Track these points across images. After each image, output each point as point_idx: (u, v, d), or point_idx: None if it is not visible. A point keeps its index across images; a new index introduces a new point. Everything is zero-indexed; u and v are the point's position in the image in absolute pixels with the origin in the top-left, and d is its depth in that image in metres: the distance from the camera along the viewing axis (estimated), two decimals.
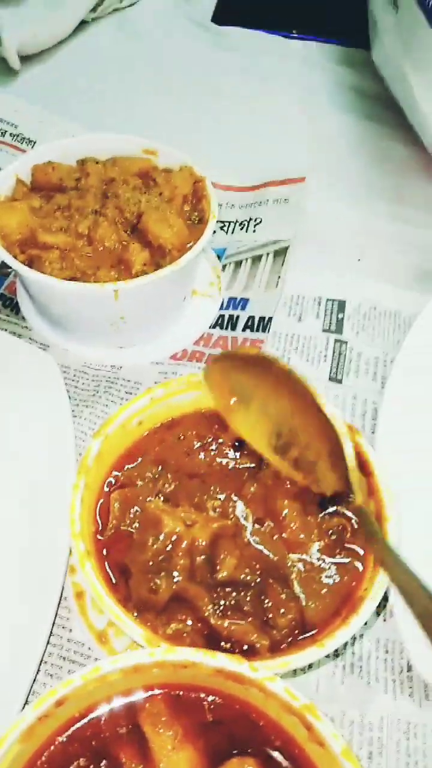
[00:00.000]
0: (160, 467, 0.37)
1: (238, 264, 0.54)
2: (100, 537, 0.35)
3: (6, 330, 0.49)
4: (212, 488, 0.36)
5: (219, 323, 0.51)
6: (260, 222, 0.56)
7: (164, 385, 0.38)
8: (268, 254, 0.54)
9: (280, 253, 0.53)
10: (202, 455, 0.38)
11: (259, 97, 0.68)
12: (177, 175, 0.48)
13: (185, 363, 0.48)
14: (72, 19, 0.72)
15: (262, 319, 0.50)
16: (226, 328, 0.51)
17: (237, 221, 0.57)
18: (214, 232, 0.46)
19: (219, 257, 0.55)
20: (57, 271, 0.43)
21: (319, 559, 0.34)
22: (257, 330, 0.50)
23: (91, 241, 0.45)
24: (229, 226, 0.57)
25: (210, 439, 0.38)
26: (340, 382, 0.48)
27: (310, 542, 0.35)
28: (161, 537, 0.34)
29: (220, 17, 0.78)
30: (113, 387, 0.47)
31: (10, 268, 0.45)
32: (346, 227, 0.56)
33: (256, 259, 0.54)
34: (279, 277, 0.52)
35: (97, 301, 0.42)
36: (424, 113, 0.57)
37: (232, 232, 0.56)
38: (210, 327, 0.51)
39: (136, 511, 0.35)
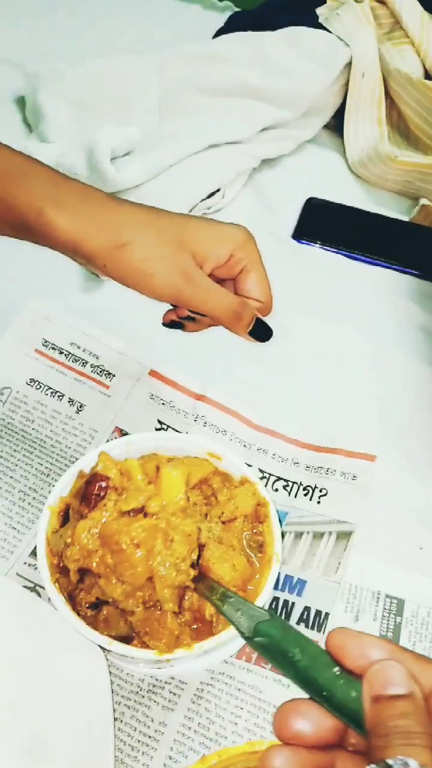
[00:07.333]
0: None
1: (299, 535, 0.53)
2: None
3: None
4: None
5: (273, 606, 0.50)
6: (326, 494, 0.55)
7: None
8: (330, 533, 0.53)
9: (343, 537, 0.52)
10: None
11: (326, 334, 0.68)
12: (239, 491, 0.47)
13: (236, 662, 0.47)
14: None
15: (318, 613, 0.49)
16: (280, 616, 0.49)
17: (301, 484, 0.56)
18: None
19: (280, 521, 0.54)
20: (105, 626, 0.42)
21: None
22: (313, 627, 0.48)
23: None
24: (292, 487, 0.56)
25: None
26: None
27: None
28: None
29: (300, 233, 0.80)
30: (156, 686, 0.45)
31: None
32: (411, 509, 0.55)
33: (318, 536, 0.53)
34: (340, 563, 0.51)
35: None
36: None
37: (295, 496, 0.56)
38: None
39: None
